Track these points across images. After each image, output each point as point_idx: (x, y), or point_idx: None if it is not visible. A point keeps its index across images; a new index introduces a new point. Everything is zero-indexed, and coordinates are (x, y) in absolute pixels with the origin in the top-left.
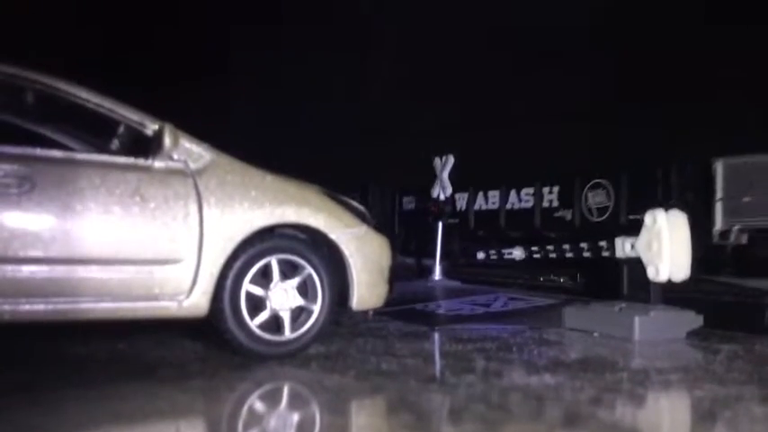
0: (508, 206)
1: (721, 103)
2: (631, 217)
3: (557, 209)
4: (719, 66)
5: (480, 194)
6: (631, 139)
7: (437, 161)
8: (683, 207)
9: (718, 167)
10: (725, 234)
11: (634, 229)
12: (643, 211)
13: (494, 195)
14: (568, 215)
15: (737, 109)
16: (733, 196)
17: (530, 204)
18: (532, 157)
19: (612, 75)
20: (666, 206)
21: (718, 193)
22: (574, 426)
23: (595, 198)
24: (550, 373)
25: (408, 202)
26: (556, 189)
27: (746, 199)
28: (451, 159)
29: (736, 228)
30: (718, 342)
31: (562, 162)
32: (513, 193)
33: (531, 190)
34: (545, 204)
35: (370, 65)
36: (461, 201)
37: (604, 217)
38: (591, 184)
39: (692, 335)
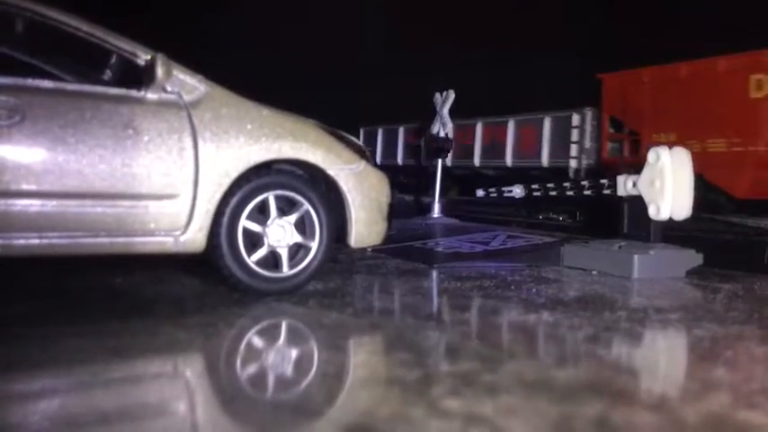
0: None
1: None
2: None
3: None
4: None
5: None
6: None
7: (437, 96)
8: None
9: (379, 132)
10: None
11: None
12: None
13: None
14: None
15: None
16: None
17: None
18: (323, 112)
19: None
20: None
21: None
22: (572, 364)
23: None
24: (549, 311)
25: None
26: None
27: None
28: (452, 95)
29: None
30: (717, 281)
31: (343, 117)
32: None
33: None
34: None
35: None
36: None
37: None
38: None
39: (692, 274)
